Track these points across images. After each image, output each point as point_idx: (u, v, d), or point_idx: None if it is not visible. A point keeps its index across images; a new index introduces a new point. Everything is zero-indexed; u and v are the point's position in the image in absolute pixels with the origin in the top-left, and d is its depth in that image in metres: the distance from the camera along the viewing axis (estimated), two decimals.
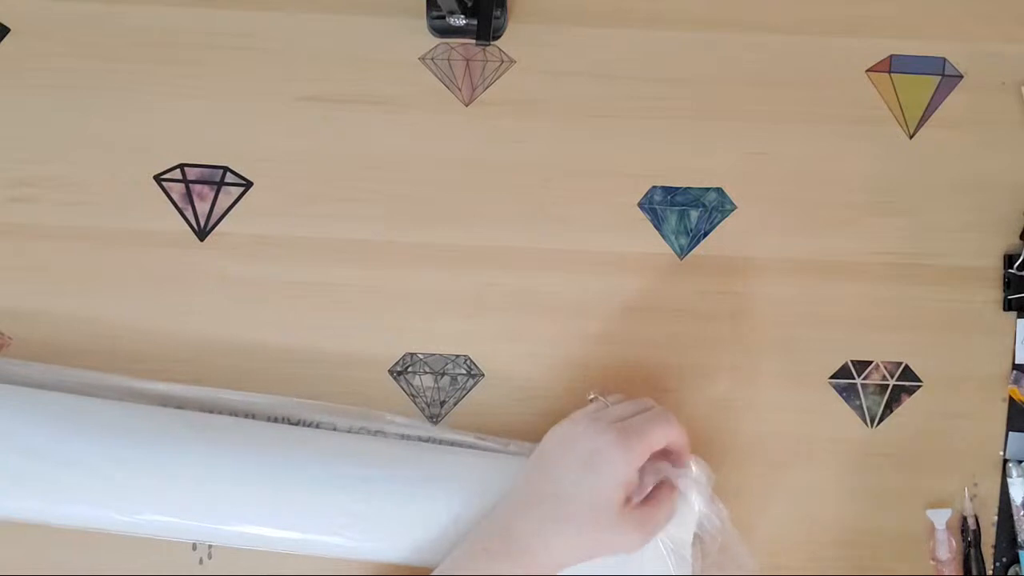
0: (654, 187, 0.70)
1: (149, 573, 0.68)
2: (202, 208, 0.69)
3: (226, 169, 0.70)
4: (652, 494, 0.61)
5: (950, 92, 0.71)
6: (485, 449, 0.65)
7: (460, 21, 0.68)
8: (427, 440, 0.66)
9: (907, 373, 0.69)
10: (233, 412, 0.66)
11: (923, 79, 0.70)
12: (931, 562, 0.68)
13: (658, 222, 0.70)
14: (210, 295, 0.69)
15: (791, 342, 0.69)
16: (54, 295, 0.69)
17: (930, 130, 0.70)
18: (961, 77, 0.71)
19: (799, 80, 0.70)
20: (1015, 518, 0.68)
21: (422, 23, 0.70)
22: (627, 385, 0.69)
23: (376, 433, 0.66)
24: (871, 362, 0.70)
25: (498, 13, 0.68)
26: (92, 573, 0.67)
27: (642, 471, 0.59)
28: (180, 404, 0.66)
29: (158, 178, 0.70)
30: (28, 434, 0.62)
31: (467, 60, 0.70)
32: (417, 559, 0.62)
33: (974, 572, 0.68)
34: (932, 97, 0.70)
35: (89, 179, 0.69)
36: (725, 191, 0.70)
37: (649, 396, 0.68)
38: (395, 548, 0.62)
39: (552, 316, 0.69)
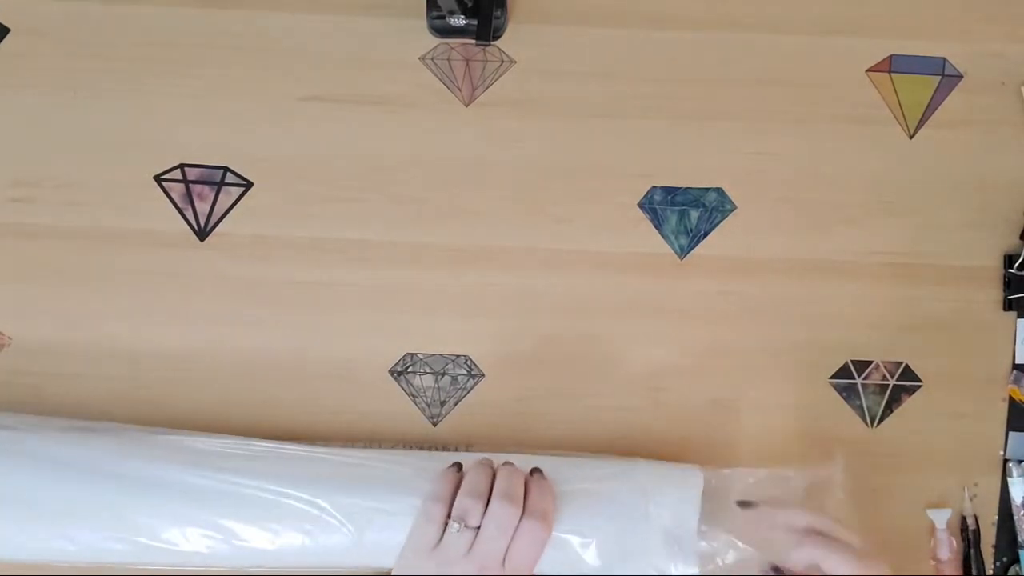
0: (654, 187, 0.70)
1: (148, 573, 0.68)
2: (202, 208, 0.69)
3: (226, 169, 0.70)
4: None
5: (950, 92, 0.70)
6: None
7: (460, 21, 0.68)
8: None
9: (907, 373, 0.69)
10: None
11: (923, 79, 0.70)
12: (931, 562, 0.68)
13: (658, 222, 0.70)
14: (210, 295, 0.69)
15: (791, 342, 0.69)
16: (54, 295, 0.69)
17: (930, 130, 0.70)
18: (961, 77, 0.71)
19: (799, 80, 0.70)
20: (1015, 518, 0.68)
21: (422, 23, 0.70)
22: (627, 385, 0.69)
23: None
24: (871, 362, 0.70)
25: (498, 13, 0.68)
26: (92, 573, 0.67)
27: None
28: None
29: (158, 178, 0.70)
30: None
31: (467, 60, 0.70)
32: None
33: (974, 572, 0.68)
34: (932, 97, 0.70)
35: (89, 179, 0.69)
36: (725, 191, 0.70)
37: (648, 396, 0.69)
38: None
39: (552, 316, 0.69)
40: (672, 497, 0.61)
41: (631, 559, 0.60)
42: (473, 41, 0.70)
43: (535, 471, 0.62)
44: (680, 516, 0.61)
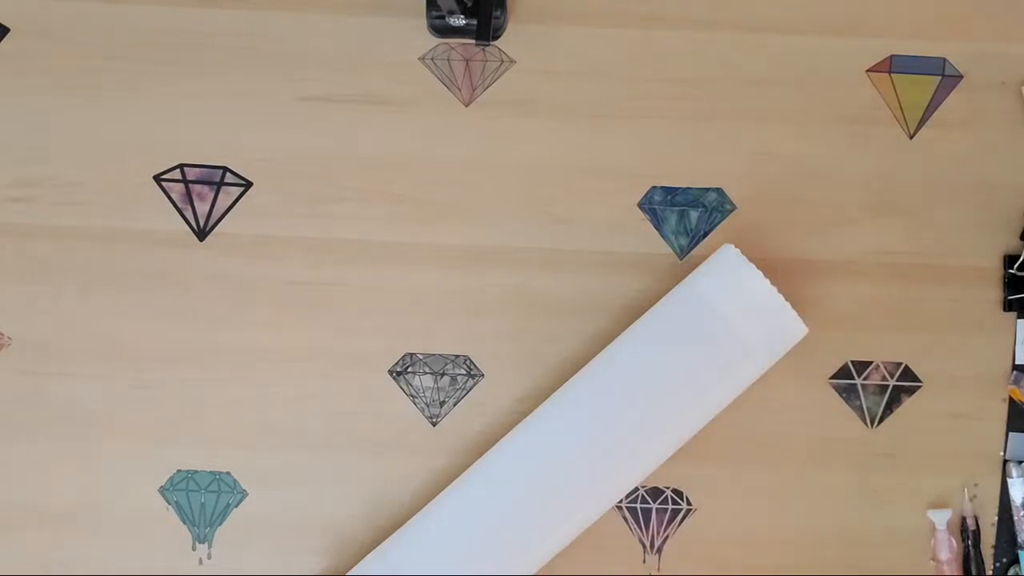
0: (654, 187, 0.70)
1: (149, 573, 0.68)
2: (202, 208, 0.69)
3: (226, 169, 0.70)
4: None
5: (950, 92, 0.70)
6: None
7: (460, 21, 0.68)
8: None
9: (907, 373, 0.69)
10: None
11: (923, 79, 0.70)
12: (931, 562, 0.68)
13: (658, 222, 0.70)
14: (210, 295, 0.69)
15: None
16: (54, 295, 0.69)
17: (930, 130, 0.70)
18: (961, 77, 0.71)
19: (799, 80, 0.70)
20: (1015, 518, 0.68)
21: (422, 23, 0.70)
22: None
23: None
24: (871, 362, 0.70)
25: (498, 13, 0.68)
26: (92, 573, 0.68)
27: None
28: None
29: (158, 178, 0.70)
30: None
31: (467, 60, 0.70)
32: None
33: (974, 572, 0.68)
34: (932, 97, 0.70)
35: (89, 179, 0.69)
36: (725, 191, 0.70)
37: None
38: None
39: (552, 316, 0.69)
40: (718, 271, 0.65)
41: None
42: (473, 41, 0.70)
43: None
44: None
